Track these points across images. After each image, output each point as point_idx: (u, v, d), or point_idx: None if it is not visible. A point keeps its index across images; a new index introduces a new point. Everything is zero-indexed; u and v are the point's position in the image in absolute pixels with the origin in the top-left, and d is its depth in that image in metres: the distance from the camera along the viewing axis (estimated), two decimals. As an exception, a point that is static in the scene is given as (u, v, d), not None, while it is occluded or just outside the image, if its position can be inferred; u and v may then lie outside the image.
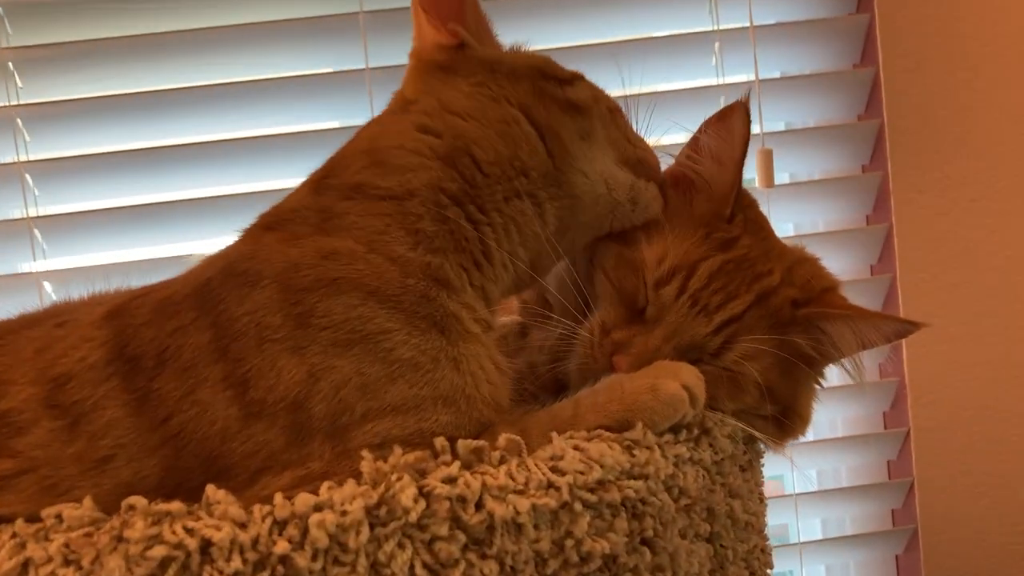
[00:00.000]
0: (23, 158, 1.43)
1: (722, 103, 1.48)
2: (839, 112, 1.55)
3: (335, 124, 1.51)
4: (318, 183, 0.70)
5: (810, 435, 0.83)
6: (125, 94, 1.43)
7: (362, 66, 1.43)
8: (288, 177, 1.46)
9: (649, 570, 0.60)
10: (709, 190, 0.80)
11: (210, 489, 0.53)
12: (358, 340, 0.59)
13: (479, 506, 0.54)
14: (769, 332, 0.74)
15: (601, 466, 0.58)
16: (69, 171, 1.45)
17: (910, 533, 1.54)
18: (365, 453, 0.55)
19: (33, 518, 0.53)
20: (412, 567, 0.52)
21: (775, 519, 1.47)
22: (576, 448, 0.59)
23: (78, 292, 1.43)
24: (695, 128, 0.83)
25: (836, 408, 1.54)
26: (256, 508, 0.52)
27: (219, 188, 1.47)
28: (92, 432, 0.56)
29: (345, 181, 0.68)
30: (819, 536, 1.62)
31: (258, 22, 1.43)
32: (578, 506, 0.57)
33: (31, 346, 0.61)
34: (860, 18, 1.49)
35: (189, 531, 0.50)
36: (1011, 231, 1.50)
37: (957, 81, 1.49)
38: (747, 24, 1.47)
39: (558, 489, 0.56)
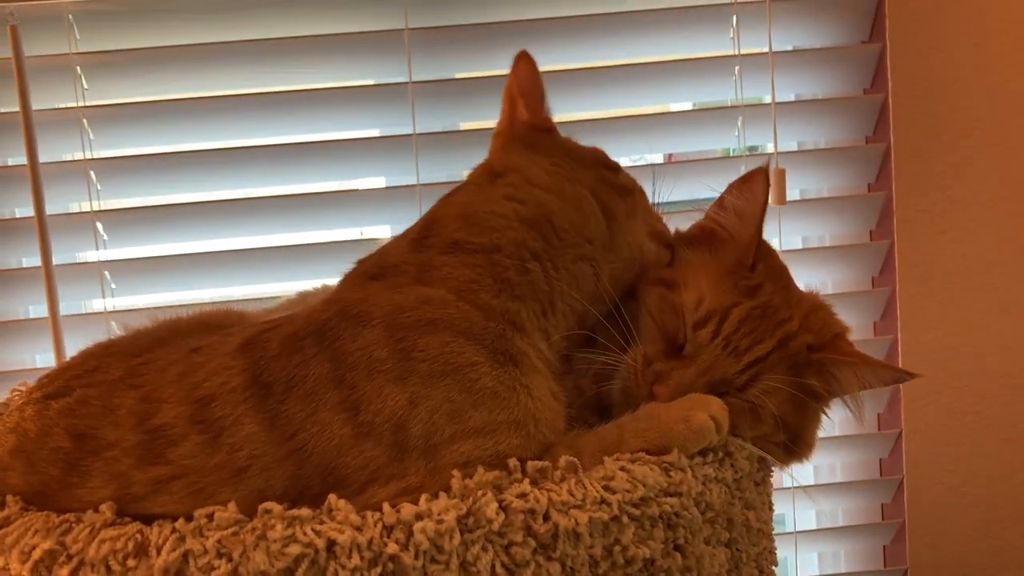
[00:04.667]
0: (88, 155, 1.53)
1: (739, 122, 1.60)
2: (849, 134, 1.66)
3: (376, 133, 1.62)
4: (417, 241, 0.82)
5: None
6: (182, 99, 1.54)
7: (405, 79, 1.54)
8: (331, 180, 1.58)
9: (679, 571, 0.72)
10: (734, 243, 0.92)
11: (332, 498, 0.65)
12: (450, 371, 0.71)
13: (546, 518, 0.67)
14: (787, 372, 0.85)
15: (644, 485, 0.70)
16: (130, 169, 1.57)
17: (897, 526, 1.66)
18: (455, 472, 0.67)
19: (186, 517, 0.65)
20: (493, 566, 0.65)
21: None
22: (623, 469, 0.71)
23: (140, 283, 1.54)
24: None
25: (835, 410, 1.65)
26: (368, 515, 0.64)
27: (270, 189, 1.58)
28: (231, 445, 0.68)
29: (444, 239, 0.81)
30: (813, 526, 1.74)
31: (309, 35, 1.53)
32: (625, 519, 0.69)
33: (174, 369, 0.73)
34: (872, 47, 1.59)
35: (317, 532, 0.62)
36: (1006, 250, 1.60)
37: (960, 110, 1.58)
38: (766, 50, 1.57)
39: (609, 504, 0.69)
